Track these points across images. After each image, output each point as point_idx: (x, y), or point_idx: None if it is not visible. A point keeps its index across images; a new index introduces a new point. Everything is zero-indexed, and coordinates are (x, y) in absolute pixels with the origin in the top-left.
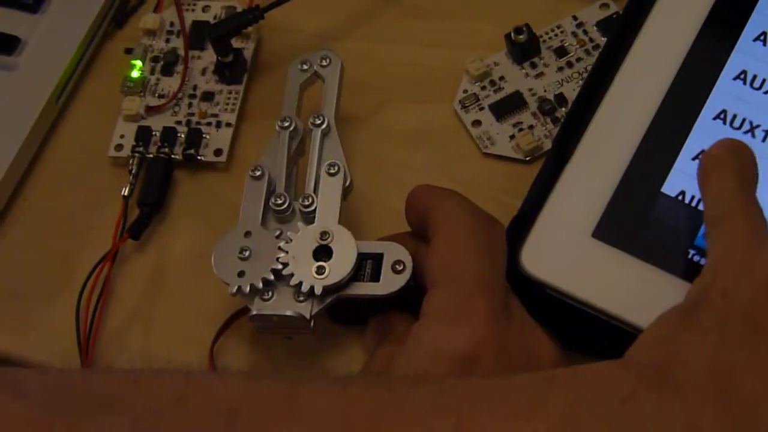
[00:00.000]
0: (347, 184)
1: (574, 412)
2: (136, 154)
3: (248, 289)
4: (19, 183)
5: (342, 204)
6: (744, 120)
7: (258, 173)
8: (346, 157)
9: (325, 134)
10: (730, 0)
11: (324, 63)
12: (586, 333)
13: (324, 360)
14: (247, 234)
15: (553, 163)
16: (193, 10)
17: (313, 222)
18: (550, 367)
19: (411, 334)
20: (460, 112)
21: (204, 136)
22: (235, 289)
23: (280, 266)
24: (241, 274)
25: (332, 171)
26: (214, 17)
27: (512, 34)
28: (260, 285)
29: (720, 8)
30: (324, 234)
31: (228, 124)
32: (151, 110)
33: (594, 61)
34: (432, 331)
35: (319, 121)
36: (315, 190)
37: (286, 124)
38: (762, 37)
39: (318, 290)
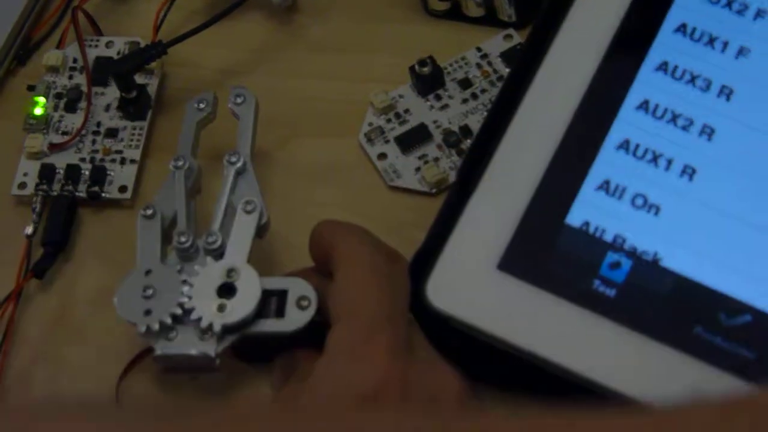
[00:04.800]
0: (264, 221)
1: None
2: (40, 193)
3: (157, 326)
4: None
5: (253, 242)
6: (647, 150)
7: (149, 212)
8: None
9: (239, 173)
10: (630, 33)
11: (238, 101)
12: (494, 366)
13: (232, 399)
14: (148, 272)
15: (457, 196)
16: (96, 45)
17: (220, 258)
18: (455, 401)
19: (314, 371)
20: (365, 146)
21: (108, 173)
22: (144, 328)
23: (186, 299)
24: (147, 312)
25: (248, 209)
26: (118, 53)
27: (416, 67)
28: (169, 321)
29: (621, 40)
30: (230, 271)
31: (132, 161)
32: (54, 147)
33: (497, 92)
34: (333, 368)
35: (234, 159)
36: (221, 228)
37: (180, 163)
38: (663, 67)
39: (217, 328)
